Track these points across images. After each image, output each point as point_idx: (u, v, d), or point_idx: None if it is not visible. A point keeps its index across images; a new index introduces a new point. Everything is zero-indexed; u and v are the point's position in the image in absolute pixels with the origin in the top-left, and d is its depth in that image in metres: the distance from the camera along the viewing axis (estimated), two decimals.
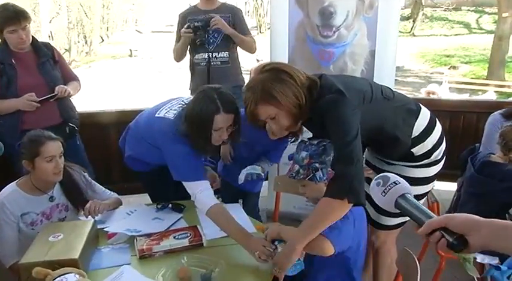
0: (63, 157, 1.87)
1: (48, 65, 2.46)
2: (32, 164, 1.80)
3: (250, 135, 1.95)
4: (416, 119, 1.67)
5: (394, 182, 0.97)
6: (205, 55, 2.89)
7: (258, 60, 7.00)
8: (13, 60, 2.35)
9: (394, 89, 1.77)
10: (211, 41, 2.87)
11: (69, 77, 2.61)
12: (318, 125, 1.54)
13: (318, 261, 1.56)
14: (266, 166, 2.25)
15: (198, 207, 1.78)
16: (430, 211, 0.91)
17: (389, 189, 0.96)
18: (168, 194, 2.05)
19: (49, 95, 2.38)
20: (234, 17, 2.93)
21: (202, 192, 1.73)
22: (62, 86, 2.43)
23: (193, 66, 3.02)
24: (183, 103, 1.89)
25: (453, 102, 4.19)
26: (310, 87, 1.52)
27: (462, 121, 3.50)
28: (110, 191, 2.08)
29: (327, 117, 1.48)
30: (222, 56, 2.92)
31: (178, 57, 3.04)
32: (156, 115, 1.90)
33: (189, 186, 1.76)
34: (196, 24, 2.82)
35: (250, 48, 3.01)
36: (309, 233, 1.42)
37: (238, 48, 3.05)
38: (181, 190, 1.81)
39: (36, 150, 1.79)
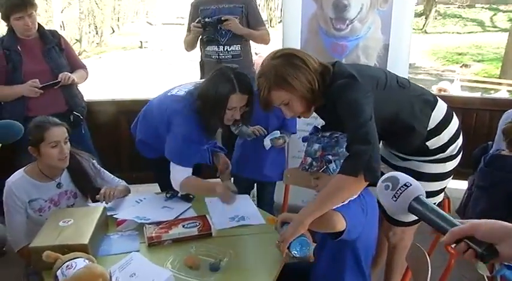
0: (68, 143, 1.87)
1: (54, 52, 2.47)
2: (38, 150, 1.80)
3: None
4: (433, 110, 1.64)
5: (405, 185, 0.87)
6: (217, 48, 2.87)
7: (256, 54, 6.97)
8: (19, 47, 2.37)
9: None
10: (224, 33, 2.84)
11: (76, 65, 2.61)
12: (331, 112, 1.53)
13: (328, 252, 1.54)
14: (285, 138, 2.34)
15: (172, 183, 1.86)
16: (449, 216, 0.83)
17: (401, 193, 0.86)
18: None
19: (52, 82, 2.38)
20: (248, 7, 2.87)
21: (180, 173, 1.83)
22: (65, 73, 2.43)
23: (204, 58, 3.00)
24: (196, 83, 1.91)
25: (466, 99, 4.13)
26: (322, 72, 1.52)
27: (475, 119, 3.46)
28: (118, 179, 2.09)
29: (339, 102, 1.47)
30: (234, 49, 2.88)
31: (189, 48, 3.03)
32: (168, 94, 1.95)
33: (174, 167, 1.85)
34: (207, 20, 2.78)
35: (264, 41, 2.96)
36: (319, 207, 1.37)
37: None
38: None
39: (41, 135, 1.78)
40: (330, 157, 1.52)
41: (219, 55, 2.86)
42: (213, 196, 1.83)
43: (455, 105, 3.46)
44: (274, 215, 2.10)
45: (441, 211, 0.84)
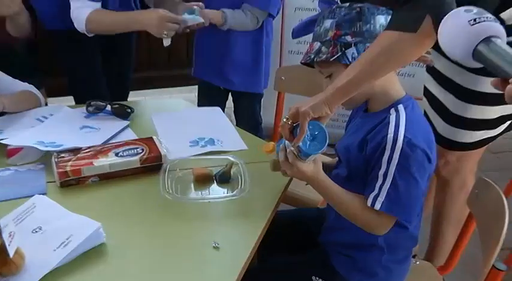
0: None
1: None
2: None
3: None
4: None
5: (493, 18, 0.70)
6: None
7: None
8: None
9: None
10: None
11: None
12: None
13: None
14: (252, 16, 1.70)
15: (75, 24, 1.59)
16: None
17: (484, 21, 0.68)
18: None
19: None
20: None
21: (84, 8, 1.58)
22: None
23: None
24: None
25: None
26: None
27: None
28: (25, 84, 1.48)
29: None
30: None
31: None
32: None
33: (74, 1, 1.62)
34: None
35: None
36: (355, 78, 0.89)
37: None
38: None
39: None
40: (349, 38, 0.99)
41: None
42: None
43: None
44: (261, 137, 1.56)
45: None
